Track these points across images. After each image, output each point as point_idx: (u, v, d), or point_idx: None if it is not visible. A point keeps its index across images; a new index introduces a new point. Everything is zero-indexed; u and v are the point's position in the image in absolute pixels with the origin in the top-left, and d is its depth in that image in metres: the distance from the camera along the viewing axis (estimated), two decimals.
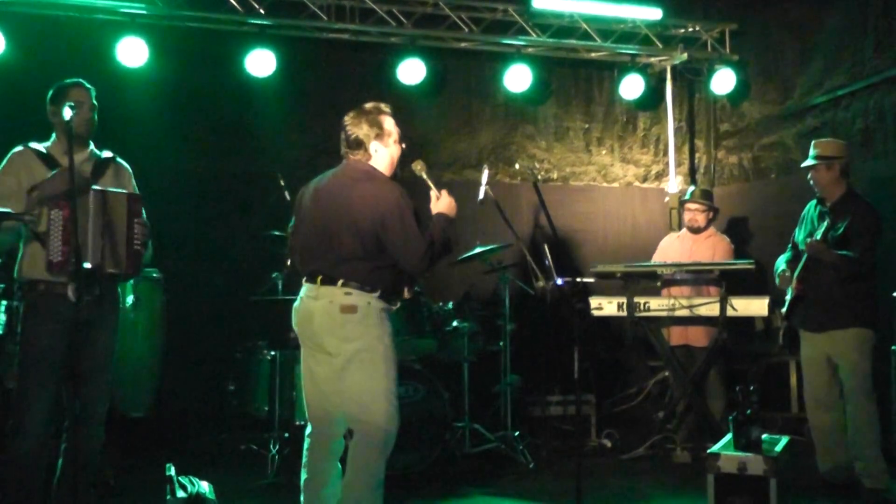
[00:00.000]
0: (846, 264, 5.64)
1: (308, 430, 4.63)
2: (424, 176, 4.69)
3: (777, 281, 6.10)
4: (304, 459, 4.59)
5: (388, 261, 4.42)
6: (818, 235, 5.66)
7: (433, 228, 4.48)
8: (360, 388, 4.36)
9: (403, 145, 4.68)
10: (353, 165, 4.58)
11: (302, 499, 4.56)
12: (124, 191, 4.70)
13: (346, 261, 4.39)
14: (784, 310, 6.03)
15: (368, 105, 4.61)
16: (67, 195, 4.26)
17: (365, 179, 4.48)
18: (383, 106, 4.63)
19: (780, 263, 6.11)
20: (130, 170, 4.97)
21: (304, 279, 4.58)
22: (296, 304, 4.59)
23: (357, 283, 4.37)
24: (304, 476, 4.57)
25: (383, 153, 4.58)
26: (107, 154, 4.87)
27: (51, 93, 4.74)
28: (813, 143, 6.02)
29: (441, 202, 4.61)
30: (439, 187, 4.70)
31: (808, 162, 5.94)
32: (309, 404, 4.61)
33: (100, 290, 4.56)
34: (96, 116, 4.77)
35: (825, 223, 5.69)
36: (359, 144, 4.55)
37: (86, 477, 4.65)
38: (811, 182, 5.96)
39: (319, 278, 4.43)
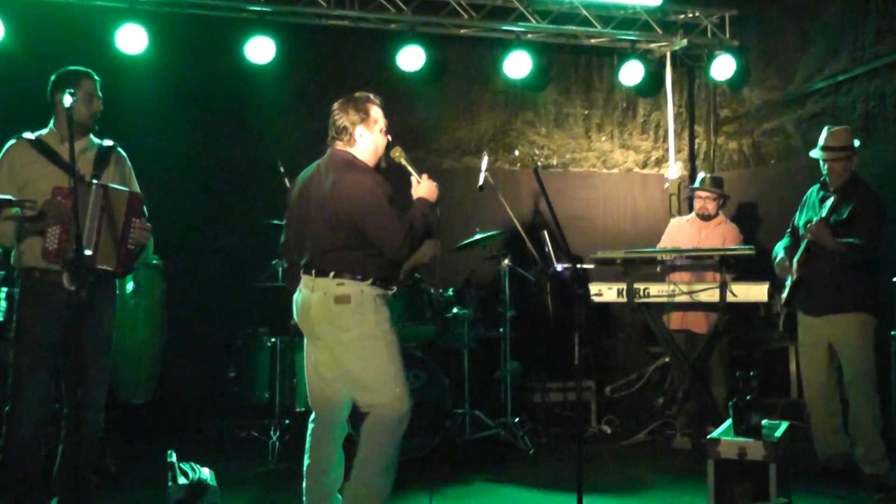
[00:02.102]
0: (850, 252, 5.60)
1: (312, 416, 4.67)
2: (404, 162, 4.69)
3: (776, 270, 6.09)
4: (307, 445, 4.63)
5: (377, 249, 4.45)
6: (817, 218, 5.64)
7: (412, 213, 4.51)
8: (366, 375, 4.44)
9: (389, 137, 4.68)
10: (335, 155, 4.61)
11: (304, 485, 4.59)
12: (126, 189, 4.70)
13: (330, 252, 4.44)
14: (784, 295, 6.03)
15: (358, 94, 4.66)
16: (69, 186, 4.27)
17: (343, 170, 4.49)
18: (373, 96, 4.67)
19: (779, 250, 6.10)
20: (128, 159, 4.97)
21: (301, 271, 4.62)
22: (295, 295, 4.64)
23: (349, 273, 4.42)
24: (306, 462, 4.61)
25: (368, 139, 4.60)
26: (108, 143, 4.87)
27: (55, 78, 4.71)
28: (830, 132, 5.88)
29: (421, 187, 4.64)
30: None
31: (826, 154, 5.83)
32: (311, 392, 4.66)
33: (94, 278, 4.56)
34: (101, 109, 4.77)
35: (827, 206, 5.66)
36: (344, 130, 4.58)
37: (86, 464, 4.66)
38: (825, 170, 5.87)
39: (313, 270, 4.49)
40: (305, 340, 4.70)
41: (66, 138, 4.49)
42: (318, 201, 4.49)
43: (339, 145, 4.61)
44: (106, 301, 4.77)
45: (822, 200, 5.83)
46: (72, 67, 4.74)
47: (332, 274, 4.43)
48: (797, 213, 6.11)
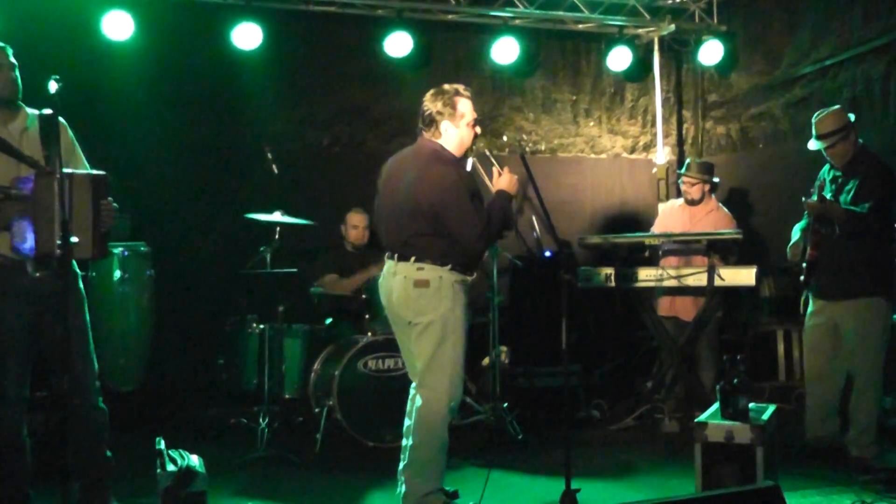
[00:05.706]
0: (853, 220, 5.51)
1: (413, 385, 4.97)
2: (487, 153, 5.06)
3: (788, 253, 6.01)
4: (408, 408, 4.91)
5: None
6: (817, 197, 5.54)
7: (492, 205, 4.77)
8: (427, 357, 4.70)
9: (478, 129, 4.90)
10: (422, 145, 4.88)
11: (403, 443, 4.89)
12: (88, 172, 4.58)
13: (413, 238, 4.68)
14: (802, 278, 5.92)
15: (448, 86, 4.87)
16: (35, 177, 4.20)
17: (429, 161, 4.74)
18: (462, 88, 4.88)
19: (796, 232, 6.00)
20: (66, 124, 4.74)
21: (385, 256, 4.89)
22: (380, 279, 4.96)
23: (429, 259, 4.66)
24: (406, 423, 4.90)
25: (453, 133, 4.83)
26: (46, 111, 4.57)
27: None
28: (817, 121, 5.81)
29: (502, 179, 4.87)
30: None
31: (818, 144, 5.76)
32: (409, 369, 5.00)
33: (57, 264, 4.48)
34: (16, 76, 4.59)
35: (835, 185, 5.59)
36: (431, 122, 4.84)
37: (100, 446, 4.67)
38: (829, 158, 5.80)
39: (396, 255, 4.77)
40: (392, 324, 4.96)
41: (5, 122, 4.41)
42: (404, 190, 4.73)
43: (427, 135, 4.87)
44: (72, 284, 4.67)
45: (833, 180, 5.80)
46: None
47: (412, 259, 4.68)
48: (812, 194, 5.93)
